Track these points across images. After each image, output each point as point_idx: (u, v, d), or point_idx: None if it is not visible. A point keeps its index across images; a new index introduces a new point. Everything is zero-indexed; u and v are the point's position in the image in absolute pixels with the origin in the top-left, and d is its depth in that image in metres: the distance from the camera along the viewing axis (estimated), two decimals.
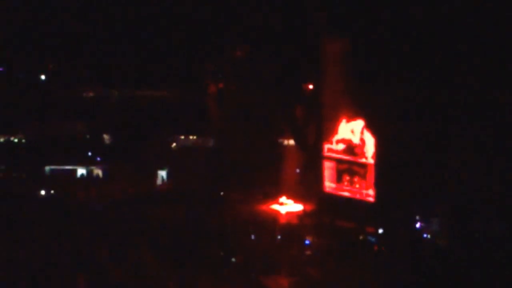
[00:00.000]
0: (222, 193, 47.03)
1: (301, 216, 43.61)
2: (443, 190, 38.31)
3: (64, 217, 41.65)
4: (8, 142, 51.61)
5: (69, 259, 35.32)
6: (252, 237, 39.27)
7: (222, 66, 50.36)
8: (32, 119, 50.91)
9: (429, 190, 38.62)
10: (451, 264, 34.47)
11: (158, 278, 33.91)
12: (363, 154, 40.82)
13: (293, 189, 46.11)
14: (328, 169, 42.92)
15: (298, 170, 47.73)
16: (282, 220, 43.53)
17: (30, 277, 33.02)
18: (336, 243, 38.15)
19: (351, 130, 41.40)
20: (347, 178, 41.85)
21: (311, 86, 47.00)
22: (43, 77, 52.47)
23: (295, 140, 48.33)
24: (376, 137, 40.19)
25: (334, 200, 42.41)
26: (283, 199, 46.32)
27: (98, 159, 50.90)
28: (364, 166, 40.83)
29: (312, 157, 45.04)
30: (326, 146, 42.91)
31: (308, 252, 37.60)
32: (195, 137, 53.42)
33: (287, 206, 45.96)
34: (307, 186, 45.59)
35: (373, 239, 38.77)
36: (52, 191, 47.05)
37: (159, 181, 49.86)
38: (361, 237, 39.01)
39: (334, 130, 42.39)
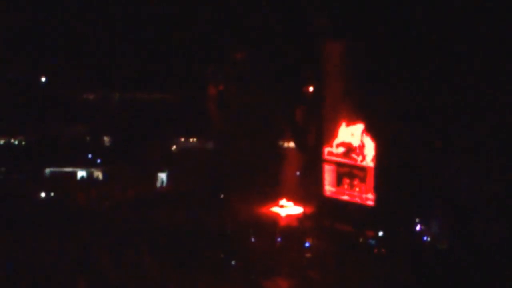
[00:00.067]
0: (222, 196, 46.97)
1: (301, 218, 43.61)
2: (443, 192, 38.32)
3: (64, 219, 41.57)
4: (8, 144, 51.57)
5: (69, 261, 35.30)
6: (252, 239, 39.26)
7: (223, 68, 50.30)
8: (32, 121, 50.81)
9: (429, 193, 38.64)
10: (451, 266, 34.47)
11: (158, 280, 33.90)
12: (363, 158, 40.85)
13: (293, 191, 46.09)
14: (328, 172, 42.93)
15: (298, 173, 47.72)
16: (282, 223, 43.55)
17: (31, 279, 33.03)
18: (336, 245, 38.16)
19: (351, 133, 41.44)
20: (347, 181, 41.87)
21: (311, 88, 46.98)
22: (43, 78, 52.40)
23: (295, 142, 48.33)
24: (376, 140, 40.22)
25: (334, 204, 42.42)
26: (283, 201, 46.31)
27: (98, 161, 50.85)
28: (364, 169, 40.86)
29: (312, 160, 45.06)
30: (326, 149, 42.92)
31: (308, 255, 37.59)
32: (195, 139, 53.38)
33: (287, 209, 45.97)
34: (307, 188, 45.59)
35: (373, 242, 38.78)
36: (52, 193, 46.98)
37: (159, 184, 49.81)
38: (361, 240, 39.03)
39: (334, 134, 42.42)
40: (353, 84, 40.31)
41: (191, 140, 53.41)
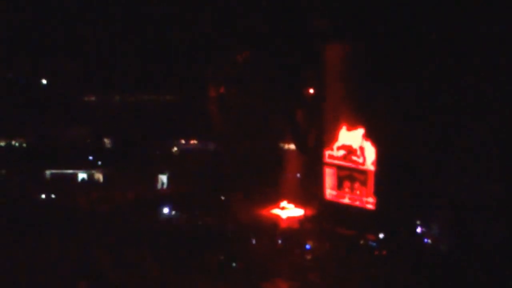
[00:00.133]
0: (222, 197, 46.97)
1: (302, 220, 43.57)
2: (443, 194, 38.31)
3: (65, 221, 41.57)
4: (9, 146, 51.61)
5: (69, 263, 35.29)
6: (253, 241, 39.24)
7: (224, 70, 50.32)
8: (33, 123, 50.86)
9: (429, 195, 38.64)
10: (452, 268, 34.47)
11: (159, 282, 33.89)
12: (363, 161, 40.82)
13: (294, 193, 46.08)
14: (329, 175, 42.90)
15: (298, 175, 47.72)
16: (283, 225, 43.51)
17: (31, 282, 33.09)
18: (337, 247, 38.13)
19: (352, 137, 41.39)
20: (348, 184, 41.84)
21: (311, 90, 46.96)
22: (44, 80, 52.45)
23: (295, 144, 48.30)
24: (376, 144, 40.20)
25: (335, 207, 42.39)
26: (284, 203, 46.29)
27: (99, 163, 50.86)
28: (364, 172, 40.84)
29: (313, 162, 45.02)
30: (327, 152, 42.85)
31: (308, 257, 37.55)
32: (195, 141, 53.40)
33: (288, 211, 45.96)
34: (307, 190, 45.58)
35: (374, 244, 38.76)
36: (52, 195, 46.98)
37: (159, 185, 49.82)
38: (361, 242, 39.01)
39: (334, 137, 42.40)
40: (353, 87, 40.30)
41: (191, 141, 53.43)
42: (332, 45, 41.99)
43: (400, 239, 38.58)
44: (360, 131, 40.89)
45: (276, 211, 46.04)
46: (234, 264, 35.87)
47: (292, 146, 49.15)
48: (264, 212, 45.78)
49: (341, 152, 42.04)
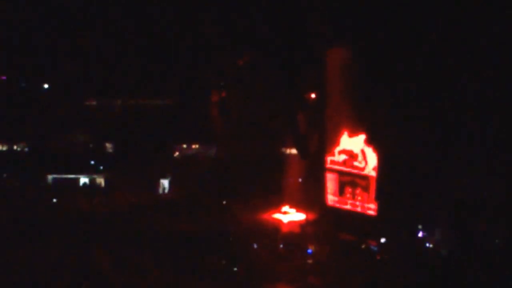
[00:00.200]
0: (224, 202, 46.94)
1: (304, 225, 43.53)
2: (444, 199, 38.32)
3: (67, 225, 41.59)
4: (10, 151, 51.62)
5: (71, 268, 35.32)
6: (254, 245, 39.21)
7: (225, 75, 50.37)
8: (34, 128, 50.87)
9: (430, 200, 38.63)
10: (453, 270, 34.46)
11: (160, 285, 33.89)
12: (365, 166, 40.76)
13: (296, 197, 46.03)
14: (331, 181, 42.78)
15: (300, 179, 47.67)
16: (285, 229, 43.49)
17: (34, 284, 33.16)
18: (338, 252, 38.10)
19: (353, 142, 41.30)
20: (350, 190, 41.72)
21: (313, 95, 46.98)
22: (46, 85, 52.49)
23: (297, 149, 48.25)
24: (378, 150, 40.15)
25: (336, 212, 42.29)
26: (285, 208, 46.24)
27: (101, 168, 50.85)
28: (366, 178, 40.75)
29: (314, 166, 44.97)
30: (329, 158, 42.74)
31: (310, 261, 37.53)
32: (197, 145, 53.38)
33: (290, 215, 45.90)
34: (309, 195, 45.52)
35: (375, 248, 38.72)
36: (54, 200, 46.98)
37: (161, 190, 49.79)
38: (363, 246, 38.97)
39: (336, 142, 42.33)
40: (354, 92, 40.31)
41: (193, 146, 53.42)
42: (333, 50, 42.05)
43: (402, 244, 38.54)
44: (362, 137, 40.83)
45: (277, 215, 45.99)
46: (235, 268, 35.85)
47: (293, 151, 49.10)
48: (265, 216, 45.72)
49: (343, 157, 41.94)
